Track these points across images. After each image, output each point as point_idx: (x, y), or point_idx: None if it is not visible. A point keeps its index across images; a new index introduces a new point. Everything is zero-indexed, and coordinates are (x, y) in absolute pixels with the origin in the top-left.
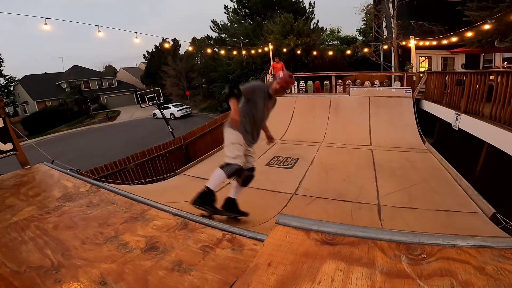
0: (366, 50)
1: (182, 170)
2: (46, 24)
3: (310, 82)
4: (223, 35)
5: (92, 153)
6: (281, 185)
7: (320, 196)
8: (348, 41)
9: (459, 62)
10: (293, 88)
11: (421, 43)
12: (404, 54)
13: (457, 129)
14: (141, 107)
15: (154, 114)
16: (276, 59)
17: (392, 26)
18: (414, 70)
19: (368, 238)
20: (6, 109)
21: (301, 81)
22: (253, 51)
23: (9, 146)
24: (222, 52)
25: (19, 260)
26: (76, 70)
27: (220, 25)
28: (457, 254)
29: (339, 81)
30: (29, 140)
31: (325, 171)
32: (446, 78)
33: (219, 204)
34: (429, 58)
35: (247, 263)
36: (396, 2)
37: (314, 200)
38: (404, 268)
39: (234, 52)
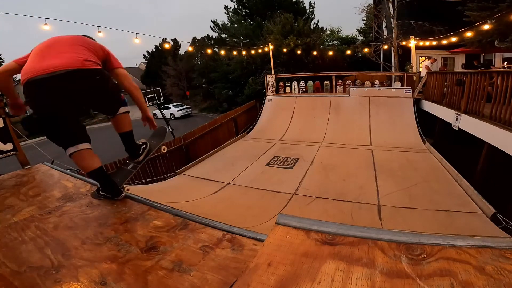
0: (366, 50)
1: (182, 170)
2: (46, 24)
3: (310, 82)
4: (223, 35)
5: None
6: (281, 185)
7: (320, 196)
8: (348, 41)
9: (459, 62)
10: (293, 88)
11: (421, 43)
12: (404, 54)
13: (457, 129)
14: None
15: (154, 114)
16: None
17: (392, 26)
18: (414, 70)
19: (368, 238)
20: (6, 109)
21: (301, 81)
22: (253, 51)
23: (9, 146)
24: (222, 52)
25: (19, 260)
26: None
27: (220, 25)
28: (457, 254)
29: (339, 81)
30: (29, 140)
31: (325, 171)
32: (447, 76)
33: None
34: (429, 58)
35: (247, 263)
36: (396, 2)
37: (314, 200)
38: (404, 268)
39: (234, 52)
